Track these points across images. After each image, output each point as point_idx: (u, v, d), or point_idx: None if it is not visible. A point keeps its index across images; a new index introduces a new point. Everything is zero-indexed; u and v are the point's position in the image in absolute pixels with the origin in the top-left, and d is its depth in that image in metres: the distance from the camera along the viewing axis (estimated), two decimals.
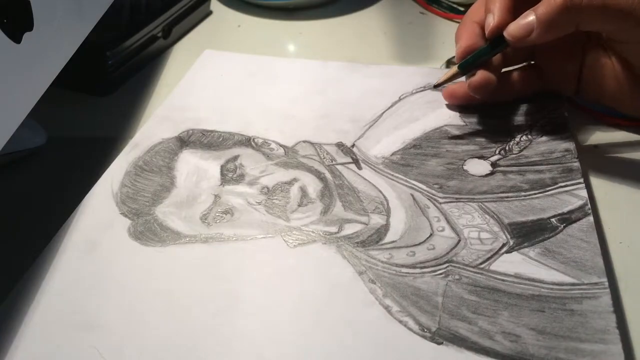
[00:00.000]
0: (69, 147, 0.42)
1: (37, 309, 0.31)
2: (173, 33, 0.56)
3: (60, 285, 0.33)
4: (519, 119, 0.44)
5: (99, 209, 0.37)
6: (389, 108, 0.46)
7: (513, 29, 0.40)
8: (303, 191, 0.39)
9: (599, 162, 0.41)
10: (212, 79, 0.50)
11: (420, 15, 0.61)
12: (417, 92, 0.47)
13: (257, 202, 0.38)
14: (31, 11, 0.33)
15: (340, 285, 0.33)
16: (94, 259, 0.34)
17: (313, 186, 0.39)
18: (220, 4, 0.65)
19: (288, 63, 0.53)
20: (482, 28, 0.43)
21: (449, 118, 0.44)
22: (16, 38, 0.33)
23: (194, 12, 0.59)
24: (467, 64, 0.43)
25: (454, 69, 0.44)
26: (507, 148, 0.41)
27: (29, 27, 0.33)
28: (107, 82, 0.49)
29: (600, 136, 0.43)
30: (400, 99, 0.47)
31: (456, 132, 0.43)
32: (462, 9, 0.61)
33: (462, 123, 0.44)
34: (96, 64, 0.47)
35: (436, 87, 0.45)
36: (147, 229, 0.36)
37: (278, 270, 0.34)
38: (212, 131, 0.44)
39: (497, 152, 0.41)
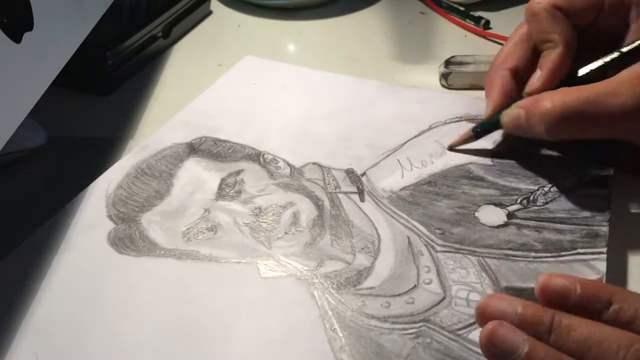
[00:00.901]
0: (69, 147, 0.43)
1: None
2: (173, 33, 0.56)
3: (27, 285, 0.33)
4: (557, 167, 0.39)
5: (89, 208, 0.37)
6: (414, 137, 0.42)
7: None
8: (295, 217, 0.36)
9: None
10: (243, 87, 0.49)
11: (420, 15, 0.60)
12: (450, 122, 0.43)
13: (244, 223, 0.36)
14: (31, 11, 0.33)
15: (301, 328, 0.30)
16: (68, 259, 0.34)
17: (307, 213, 0.37)
18: (220, 4, 0.64)
19: (326, 77, 0.50)
20: (515, 77, 0.39)
21: (477, 156, 0.40)
22: (16, 38, 0.33)
23: (194, 12, 0.59)
24: (483, 130, 0.40)
25: (469, 132, 0.40)
26: (531, 198, 0.36)
27: (29, 27, 0.34)
28: (107, 82, 0.49)
29: None
30: (430, 128, 0.43)
31: (479, 173, 0.39)
32: (462, 8, 0.58)
33: (490, 163, 0.40)
34: (96, 64, 0.48)
35: (451, 149, 0.41)
36: (127, 236, 0.35)
37: (242, 300, 0.32)
38: (224, 141, 0.43)
39: (518, 201, 0.36)
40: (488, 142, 0.41)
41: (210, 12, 0.62)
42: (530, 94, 0.37)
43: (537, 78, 0.37)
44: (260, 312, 0.31)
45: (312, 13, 0.61)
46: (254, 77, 0.50)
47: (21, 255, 0.34)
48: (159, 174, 0.40)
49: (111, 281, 0.33)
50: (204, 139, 0.43)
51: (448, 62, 0.49)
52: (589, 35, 0.39)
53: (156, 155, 0.41)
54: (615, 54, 0.37)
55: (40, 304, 0.32)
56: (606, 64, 0.37)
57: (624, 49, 0.37)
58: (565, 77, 0.38)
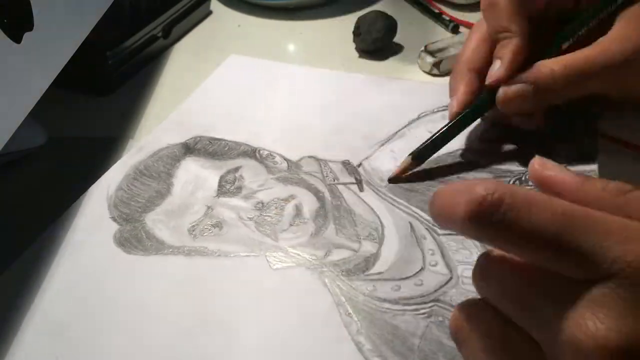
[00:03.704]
0: (69, 147, 0.43)
1: (9, 310, 0.31)
2: (173, 33, 0.56)
3: (35, 287, 0.33)
4: (544, 147, 0.40)
5: (91, 211, 0.37)
6: (405, 126, 0.44)
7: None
8: (298, 209, 0.37)
9: None
10: (231, 85, 0.49)
11: (420, 15, 0.60)
12: (438, 111, 0.45)
13: (248, 218, 0.37)
14: (31, 11, 0.33)
15: (316, 315, 0.31)
16: (74, 261, 0.34)
17: (309, 205, 0.37)
18: (220, 4, 0.65)
19: (312, 72, 0.51)
20: (482, 77, 0.39)
21: (468, 141, 0.42)
22: (16, 38, 0.33)
23: (194, 12, 0.59)
24: (422, 153, 0.39)
25: (407, 159, 0.39)
26: (523, 178, 0.38)
27: (29, 27, 0.34)
28: (107, 82, 0.49)
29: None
30: (419, 117, 0.44)
31: (471, 157, 0.40)
32: (436, 10, 0.59)
33: (481, 147, 0.41)
34: (96, 64, 0.48)
35: (391, 181, 0.39)
36: (133, 236, 0.36)
37: (255, 292, 0.32)
38: (219, 139, 0.43)
39: (511, 182, 0.38)
40: (475, 131, 0.42)
41: (210, 12, 0.62)
42: (491, 86, 0.38)
43: (497, 68, 0.38)
44: (274, 303, 0.32)
45: (312, 13, 0.62)
46: (241, 76, 0.51)
47: (28, 260, 0.34)
48: (157, 175, 0.40)
49: (122, 281, 0.33)
50: (198, 138, 0.43)
51: (430, 52, 0.51)
52: (541, 22, 0.40)
53: (153, 156, 0.41)
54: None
55: (53, 306, 0.32)
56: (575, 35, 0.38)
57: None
58: (522, 66, 0.38)
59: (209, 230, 0.36)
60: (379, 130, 0.43)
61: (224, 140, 0.43)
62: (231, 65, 0.52)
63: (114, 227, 0.36)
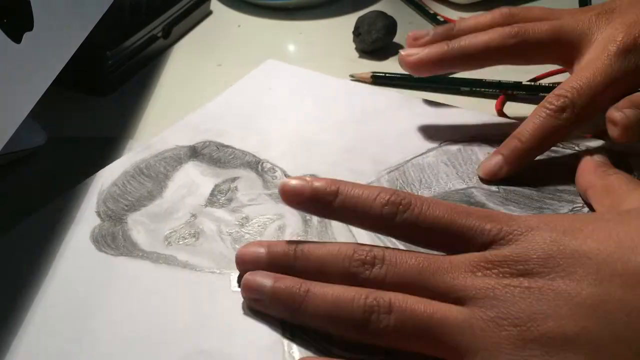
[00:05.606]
0: (69, 147, 0.43)
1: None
2: (173, 33, 0.56)
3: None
4: (563, 196, 0.36)
5: (81, 203, 0.37)
6: (421, 154, 0.40)
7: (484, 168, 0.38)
8: (280, 231, 0.35)
9: None
10: (258, 92, 0.48)
11: (420, 15, 0.59)
12: (460, 142, 0.41)
13: (227, 232, 0.35)
14: (31, 11, 0.34)
15: (260, 349, 0.29)
16: (51, 252, 0.34)
17: (293, 227, 0.36)
18: (220, 4, 0.64)
19: (342, 84, 0.49)
20: None
21: (482, 180, 0.38)
22: (16, 38, 0.33)
23: (194, 12, 0.58)
24: None
25: None
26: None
27: (29, 27, 0.34)
28: (107, 82, 0.49)
29: None
30: (440, 146, 0.41)
31: (481, 198, 0.36)
32: (432, 11, 0.58)
33: (494, 189, 0.37)
34: (96, 64, 0.48)
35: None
36: (109, 234, 0.35)
37: (207, 313, 0.31)
38: (227, 146, 0.42)
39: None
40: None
41: (210, 12, 0.62)
42: None
43: None
44: (220, 328, 0.30)
45: (312, 13, 0.61)
46: (271, 82, 0.49)
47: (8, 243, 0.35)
48: (155, 175, 0.40)
49: (85, 277, 0.33)
50: (207, 143, 0.43)
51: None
52: None
53: (157, 156, 0.41)
54: None
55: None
56: None
57: None
58: None
59: (185, 239, 0.35)
60: (392, 154, 0.40)
61: (232, 147, 0.42)
62: (264, 70, 0.51)
63: (96, 222, 0.36)
